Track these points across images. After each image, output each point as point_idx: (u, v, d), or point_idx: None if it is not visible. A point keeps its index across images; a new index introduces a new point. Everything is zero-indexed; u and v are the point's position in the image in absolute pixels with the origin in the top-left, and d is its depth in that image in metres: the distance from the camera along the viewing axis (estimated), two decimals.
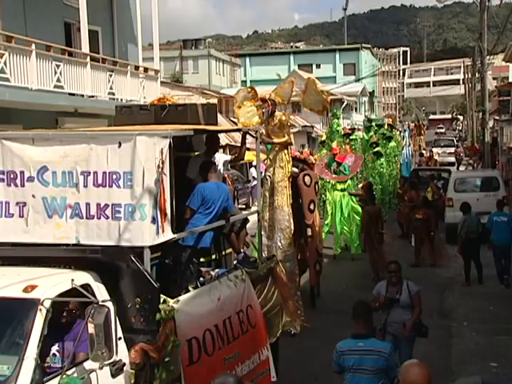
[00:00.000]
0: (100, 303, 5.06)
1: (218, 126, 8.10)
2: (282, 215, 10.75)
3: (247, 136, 8.46)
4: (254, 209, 23.00)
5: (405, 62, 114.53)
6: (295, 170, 11.56)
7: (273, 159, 10.91)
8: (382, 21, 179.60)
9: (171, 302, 5.68)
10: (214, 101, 41.70)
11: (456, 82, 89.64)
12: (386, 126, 28.96)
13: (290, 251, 10.83)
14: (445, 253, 16.31)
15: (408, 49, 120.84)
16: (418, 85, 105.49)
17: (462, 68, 66.22)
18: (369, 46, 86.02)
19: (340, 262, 16.46)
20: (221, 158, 8.36)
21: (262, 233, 10.66)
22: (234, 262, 7.77)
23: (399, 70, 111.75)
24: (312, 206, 11.73)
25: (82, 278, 5.53)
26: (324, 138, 22.49)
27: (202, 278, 7.06)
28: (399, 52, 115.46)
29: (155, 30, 23.81)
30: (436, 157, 40.94)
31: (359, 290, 13.40)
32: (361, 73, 71.55)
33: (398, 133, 30.27)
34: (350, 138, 22.71)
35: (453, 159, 44.54)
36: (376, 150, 23.75)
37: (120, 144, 5.71)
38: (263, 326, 7.28)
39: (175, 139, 6.13)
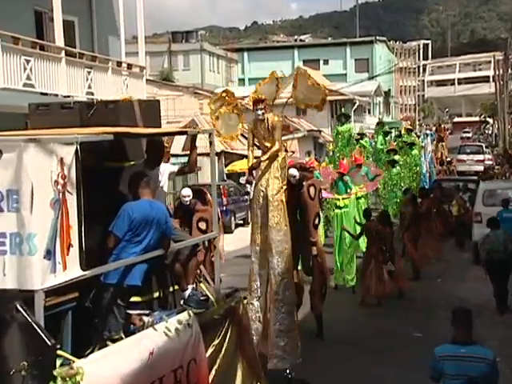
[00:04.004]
0: None
1: (157, 129, 7.42)
2: (279, 235, 10.16)
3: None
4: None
5: (425, 57, 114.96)
6: (294, 171, 10.80)
7: (265, 169, 10.31)
8: (399, 10, 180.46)
9: (77, 362, 4.92)
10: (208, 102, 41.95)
11: (485, 80, 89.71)
12: (403, 131, 29.01)
13: (289, 278, 10.32)
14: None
15: (429, 42, 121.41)
16: (440, 83, 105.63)
17: (492, 63, 66.36)
18: (384, 38, 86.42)
19: (342, 291, 16.07)
20: (165, 169, 7.74)
21: (253, 259, 10.32)
22: (181, 302, 7.14)
23: (419, 67, 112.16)
24: (317, 221, 11.33)
25: None
26: (331, 147, 22.48)
27: (132, 326, 6.45)
28: (419, 45, 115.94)
29: (140, 20, 23.91)
30: (461, 166, 40.90)
31: (366, 319, 13.59)
32: (375, 70, 71.85)
33: (417, 138, 30.32)
34: (360, 144, 22.72)
35: (481, 168, 44.55)
36: (390, 158, 23.70)
37: (1, 153, 5.07)
38: None
39: (96, 146, 5.69)
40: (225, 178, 33.63)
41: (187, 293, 7.09)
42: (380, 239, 14.82)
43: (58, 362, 4.94)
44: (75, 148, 5.23)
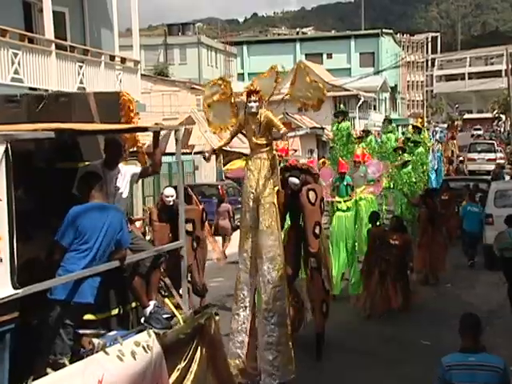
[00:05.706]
0: None
1: (113, 125, 6.85)
2: (270, 240, 9.82)
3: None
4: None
5: (434, 51, 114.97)
6: (295, 180, 10.75)
7: (255, 168, 9.97)
8: (407, 0, 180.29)
9: None
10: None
11: (497, 74, 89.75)
12: (409, 128, 28.97)
13: (281, 286, 9.97)
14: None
15: (438, 34, 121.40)
16: (450, 78, 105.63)
17: (505, 57, 66.35)
18: (390, 31, 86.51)
19: (342, 301, 15.74)
20: (127, 170, 7.30)
21: (241, 266, 10.04)
22: (142, 320, 6.64)
23: (427, 60, 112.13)
24: (317, 230, 10.84)
25: None
26: (331, 144, 22.51)
27: (82, 349, 5.97)
28: (427, 38, 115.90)
29: (134, 11, 23.90)
30: (471, 165, 40.81)
31: (368, 326, 13.55)
32: (381, 64, 71.88)
33: (428, 136, 30.25)
34: (365, 142, 22.72)
35: (492, 167, 44.52)
36: (399, 159, 23.64)
37: None
38: None
39: (46, 145, 5.40)
40: (223, 177, 33.62)
41: (148, 310, 6.62)
42: (388, 249, 14.35)
43: None
44: (5, 147, 4.80)
